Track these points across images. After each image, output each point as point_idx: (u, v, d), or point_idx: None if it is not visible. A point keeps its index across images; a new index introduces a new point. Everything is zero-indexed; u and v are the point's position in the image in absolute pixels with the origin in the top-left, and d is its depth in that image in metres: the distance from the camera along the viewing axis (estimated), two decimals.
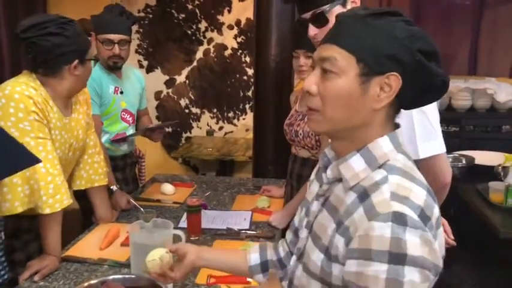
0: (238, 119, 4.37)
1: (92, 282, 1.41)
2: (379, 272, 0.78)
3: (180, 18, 4.25)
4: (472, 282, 2.87)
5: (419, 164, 1.28)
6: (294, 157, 2.25)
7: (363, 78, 0.87)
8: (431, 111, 1.39)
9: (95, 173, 2.04)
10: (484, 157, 2.87)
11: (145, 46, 4.30)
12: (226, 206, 2.33)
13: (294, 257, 1.05)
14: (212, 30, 4.25)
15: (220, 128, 4.40)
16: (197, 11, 4.23)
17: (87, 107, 1.99)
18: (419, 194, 0.84)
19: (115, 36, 2.28)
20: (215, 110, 4.39)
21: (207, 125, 4.41)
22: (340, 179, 0.93)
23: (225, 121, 4.39)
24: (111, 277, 1.45)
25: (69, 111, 1.85)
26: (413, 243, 0.77)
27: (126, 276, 1.46)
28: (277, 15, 2.69)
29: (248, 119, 4.33)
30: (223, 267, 1.29)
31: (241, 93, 4.31)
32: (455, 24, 3.70)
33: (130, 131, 2.48)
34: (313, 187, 1.07)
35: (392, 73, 0.86)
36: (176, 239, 1.55)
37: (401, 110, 0.96)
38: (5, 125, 1.61)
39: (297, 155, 2.22)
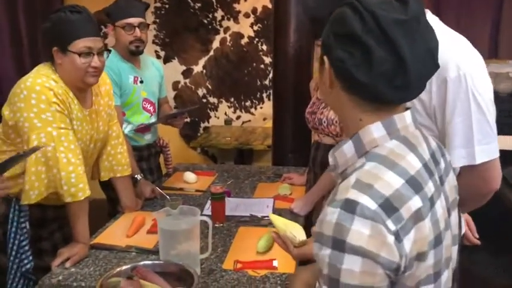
0: (255, 108, 4.38)
1: (123, 268, 1.45)
2: (324, 255, 0.80)
3: (196, 7, 4.26)
4: (495, 269, 2.85)
5: (471, 168, 1.24)
6: (316, 144, 2.25)
7: (321, 61, 0.92)
8: (490, 109, 1.27)
9: (118, 163, 2.06)
10: (508, 142, 2.83)
11: (162, 36, 4.32)
12: (248, 194, 2.34)
13: None
14: (228, 19, 4.25)
15: (238, 117, 4.41)
16: None
17: (108, 98, 2.01)
18: (391, 183, 0.80)
19: (135, 20, 2.30)
20: (232, 99, 4.40)
21: (225, 114, 4.42)
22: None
23: (243, 110, 4.40)
24: (141, 263, 1.48)
25: (89, 103, 1.87)
26: (358, 232, 0.76)
27: (156, 262, 1.49)
28: (296, 2, 2.68)
29: (265, 107, 4.33)
30: None
31: (259, 82, 4.31)
32: (476, 7, 3.63)
33: (153, 120, 2.50)
34: None
35: (324, 56, 0.89)
36: (203, 225, 1.57)
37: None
38: (28, 116, 1.65)
39: (320, 142, 2.22)
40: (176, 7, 4.26)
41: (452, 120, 1.24)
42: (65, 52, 1.71)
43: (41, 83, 1.68)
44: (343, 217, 0.78)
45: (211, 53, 4.33)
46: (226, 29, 4.27)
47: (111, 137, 2.04)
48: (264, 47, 4.24)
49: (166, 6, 4.27)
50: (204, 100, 4.42)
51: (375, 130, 0.87)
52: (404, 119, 0.88)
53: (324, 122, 2.12)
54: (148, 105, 2.47)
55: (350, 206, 0.78)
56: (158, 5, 4.25)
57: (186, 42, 4.33)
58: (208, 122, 4.46)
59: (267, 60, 4.26)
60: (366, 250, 0.76)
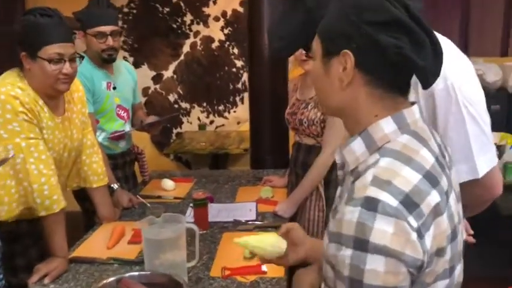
0: (229, 112, 4.34)
1: (108, 281, 1.38)
2: (345, 256, 0.77)
3: (165, 12, 4.19)
4: (473, 262, 2.89)
5: (474, 180, 1.20)
6: (297, 145, 2.23)
7: (325, 59, 0.89)
8: (483, 117, 1.24)
9: (94, 173, 1.99)
10: None
11: (130, 42, 4.23)
12: (229, 199, 2.30)
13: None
14: (198, 23, 4.20)
15: (211, 122, 4.36)
16: (182, 3, 4.18)
17: (81, 105, 1.93)
18: (409, 178, 0.78)
19: (107, 28, 2.23)
20: (205, 104, 4.34)
21: (198, 119, 4.36)
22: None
23: (216, 115, 4.35)
24: (127, 274, 1.42)
25: (61, 111, 1.80)
26: (381, 231, 0.74)
27: (142, 273, 1.43)
28: (270, 4, 2.66)
29: (239, 111, 4.30)
30: None
31: (231, 86, 4.28)
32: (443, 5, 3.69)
33: (127, 127, 2.43)
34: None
35: (344, 51, 0.84)
36: (187, 232, 1.52)
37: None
38: None
39: (301, 142, 2.20)
40: (144, 12, 4.18)
41: (446, 135, 1.19)
42: (34, 58, 1.64)
43: (6, 92, 1.60)
44: (365, 216, 0.75)
45: (182, 57, 4.27)
46: (196, 33, 4.22)
47: (86, 145, 1.96)
48: (236, 51, 4.21)
49: (134, 11, 4.19)
50: (176, 106, 4.35)
51: (386, 125, 0.85)
52: (413, 113, 0.87)
53: (305, 122, 2.11)
54: (122, 112, 2.40)
55: (371, 204, 0.75)
56: (126, 10, 4.17)
57: (156, 47, 4.25)
58: (180, 128, 4.38)
59: (239, 63, 4.23)
60: (390, 249, 0.74)
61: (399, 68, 0.83)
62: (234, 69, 4.25)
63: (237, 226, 1.96)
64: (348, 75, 0.85)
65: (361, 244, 0.75)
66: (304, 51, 2.01)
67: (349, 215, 0.77)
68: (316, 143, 2.13)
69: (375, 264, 0.74)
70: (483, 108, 1.24)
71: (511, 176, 2.54)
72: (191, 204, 2.19)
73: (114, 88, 2.35)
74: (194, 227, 1.55)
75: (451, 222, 0.83)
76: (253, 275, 1.56)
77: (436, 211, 0.79)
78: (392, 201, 0.75)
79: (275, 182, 2.41)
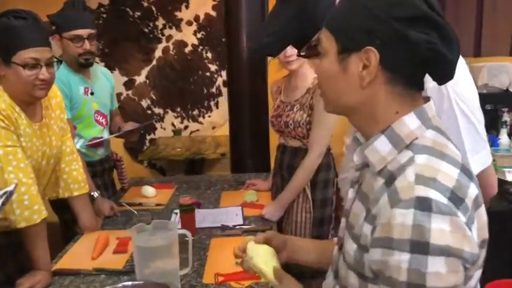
0: (203, 117, 4.29)
1: None
2: (400, 261, 0.73)
3: (136, 16, 4.11)
4: None
5: None
6: (283, 147, 2.22)
7: (341, 56, 0.85)
8: (477, 116, 1.24)
9: (74, 181, 1.91)
10: None
11: (100, 47, 4.11)
12: (213, 204, 2.26)
13: (336, 247, 1.02)
14: (170, 27, 4.14)
15: (186, 127, 4.30)
16: (153, 8, 4.11)
17: (60, 111, 1.86)
18: (450, 174, 0.77)
19: (84, 31, 2.15)
20: (179, 109, 4.28)
21: (172, 125, 4.29)
22: (368, 164, 0.89)
23: (190, 120, 4.29)
24: (120, 285, 1.36)
25: (38, 117, 1.72)
26: (439, 230, 0.72)
27: (136, 283, 1.37)
28: (247, 6, 2.64)
29: (214, 116, 4.26)
30: (313, 261, 1.20)
31: (205, 90, 4.23)
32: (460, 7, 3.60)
33: (105, 133, 2.35)
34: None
35: (367, 48, 0.81)
36: (182, 238, 1.48)
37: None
38: None
39: (286, 145, 2.19)
40: (115, 16, 4.09)
41: None
42: (9, 64, 1.56)
43: None
44: (420, 217, 0.72)
45: (154, 62, 4.19)
46: (169, 38, 4.16)
47: (65, 152, 1.88)
48: (209, 55, 4.17)
49: (104, 15, 4.09)
50: (149, 111, 4.26)
51: (410, 121, 0.83)
52: (431, 108, 0.87)
53: (291, 124, 2.10)
54: (101, 118, 2.32)
55: (424, 204, 0.73)
56: (96, 14, 4.06)
57: (127, 52, 4.16)
58: (154, 134, 4.30)
59: (213, 67, 4.19)
60: (452, 248, 0.72)
61: (429, 63, 0.82)
62: (208, 74, 4.21)
63: (225, 231, 1.92)
64: (371, 73, 0.83)
65: (421, 247, 0.72)
66: (294, 49, 2.00)
67: (401, 218, 0.74)
68: (302, 145, 2.13)
69: (436, 266, 0.72)
70: (476, 105, 1.25)
71: None
72: (175, 211, 2.14)
73: (92, 93, 2.27)
74: (187, 233, 1.50)
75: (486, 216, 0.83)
76: (247, 280, 1.52)
77: (477, 203, 0.79)
78: (442, 198, 0.74)
79: (259, 186, 2.39)
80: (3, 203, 1.19)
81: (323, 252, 1.17)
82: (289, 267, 1.65)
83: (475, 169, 1.22)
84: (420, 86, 0.87)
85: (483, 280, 1.94)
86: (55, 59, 1.67)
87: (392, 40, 0.80)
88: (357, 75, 0.84)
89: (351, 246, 0.88)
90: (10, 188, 1.27)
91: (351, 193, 0.97)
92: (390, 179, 0.81)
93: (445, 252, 0.72)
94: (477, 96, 1.27)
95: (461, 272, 0.74)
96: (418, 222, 0.72)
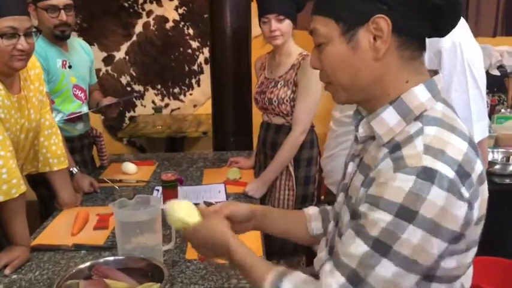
0: (184, 95, 4.22)
1: (79, 267, 1.30)
2: (380, 220, 0.75)
3: None
4: None
5: None
6: (266, 125, 2.20)
7: (347, 36, 0.83)
8: (483, 81, 1.23)
9: (54, 155, 1.86)
10: None
11: (79, 21, 3.99)
12: (195, 181, 2.24)
13: (332, 223, 1.01)
14: (151, 2, 4.03)
15: (167, 105, 4.23)
16: None
17: (39, 83, 1.79)
18: (459, 147, 0.77)
19: (60, 1, 2.06)
20: (159, 87, 4.20)
21: (152, 102, 4.22)
22: (373, 136, 0.88)
23: (171, 97, 4.22)
24: (101, 260, 1.34)
25: (16, 89, 1.66)
26: (432, 203, 0.72)
27: (117, 258, 1.35)
28: None
29: (195, 94, 4.21)
30: (278, 231, 1.19)
31: (187, 68, 4.16)
32: None
33: (84, 108, 2.29)
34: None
35: (375, 16, 0.80)
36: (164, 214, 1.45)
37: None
38: None
39: (270, 122, 2.17)
40: None
41: (448, 96, 1.18)
42: None
43: None
44: (420, 186, 0.73)
45: (134, 38, 4.09)
46: (149, 13, 4.06)
47: (44, 126, 1.83)
48: (191, 31, 4.09)
49: None
50: (129, 88, 4.18)
51: (420, 93, 0.83)
52: (440, 80, 0.86)
53: (275, 101, 2.08)
54: (79, 92, 2.25)
55: (429, 175, 0.73)
56: None
57: (106, 27, 4.05)
58: (134, 112, 4.22)
59: (194, 44, 4.12)
60: (433, 222, 0.73)
61: (440, 13, 0.81)
62: (189, 51, 4.13)
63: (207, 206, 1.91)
64: (386, 42, 0.81)
65: (408, 214, 0.73)
66: (279, 24, 1.97)
67: (400, 182, 0.74)
68: (286, 122, 2.11)
69: (412, 234, 0.73)
70: (482, 71, 1.26)
71: None
72: (157, 187, 2.12)
73: (70, 67, 2.20)
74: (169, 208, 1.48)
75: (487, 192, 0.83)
76: None
77: (481, 179, 0.79)
78: (449, 171, 0.74)
79: (242, 163, 2.37)
80: None
81: (291, 222, 1.18)
82: (269, 244, 1.66)
83: (477, 137, 1.22)
84: (424, 47, 0.86)
85: None
86: (34, 29, 1.60)
87: (398, 1, 0.79)
88: (369, 49, 0.82)
89: (347, 219, 0.89)
90: None
91: (350, 167, 0.95)
92: (395, 148, 0.80)
93: (427, 226, 0.73)
94: (482, 62, 1.27)
95: (431, 253, 0.75)
96: (416, 191, 0.73)
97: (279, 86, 2.08)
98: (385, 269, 0.75)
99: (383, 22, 0.80)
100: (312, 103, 2.04)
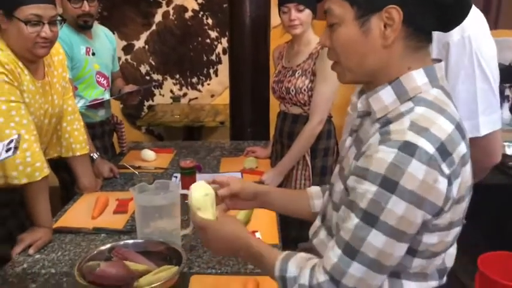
0: (202, 85, 4.25)
1: (100, 249, 1.34)
2: (367, 191, 0.80)
3: None
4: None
5: (474, 141, 1.18)
6: (283, 114, 2.21)
7: (361, 20, 0.86)
8: (495, 77, 1.23)
9: (76, 141, 1.90)
10: None
11: (99, 10, 4.02)
12: (213, 169, 2.27)
13: (327, 193, 1.07)
14: None
15: (185, 95, 4.26)
16: None
17: (62, 70, 1.83)
18: (444, 127, 0.81)
19: None
20: (178, 76, 4.23)
21: (171, 92, 4.25)
22: (370, 113, 0.92)
23: (189, 87, 4.25)
24: (121, 242, 1.37)
25: (40, 74, 1.70)
26: (412, 176, 0.76)
27: (137, 241, 1.39)
28: None
29: (213, 84, 4.22)
30: (281, 208, 1.25)
31: (205, 57, 4.18)
32: None
33: (106, 95, 2.33)
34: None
35: (389, 6, 0.83)
36: (183, 200, 1.48)
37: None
38: None
39: (287, 112, 2.18)
40: None
41: (455, 88, 1.19)
42: (11, 18, 1.52)
43: None
44: (401, 159, 0.77)
45: (154, 27, 4.12)
46: (169, 2, 4.07)
47: (67, 112, 1.87)
48: (210, 21, 4.10)
49: None
50: (148, 77, 4.21)
51: (418, 77, 0.87)
52: (441, 68, 0.90)
53: (292, 90, 2.08)
54: (102, 79, 2.29)
55: (409, 149, 0.77)
56: None
57: (126, 16, 4.08)
58: (152, 100, 4.27)
59: (213, 34, 4.13)
60: (416, 195, 0.77)
61: (448, 10, 0.84)
62: (208, 40, 4.15)
63: None
64: (395, 31, 0.85)
65: (389, 184, 0.78)
66: (298, 13, 1.97)
67: (383, 154, 0.79)
68: (303, 112, 2.12)
69: (395, 206, 0.78)
70: (495, 65, 1.25)
71: None
72: (175, 174, 2.15)
73: (93, 54, 2.24)
74: (188, 192, 1.50)
75: (471, 175, 0.87)
76: None
77: (463, 161, 0.83)
78: (429, 147, 0.78)
79: (258, 153, 2.39)
80: (16, 146, 1.18)
81: (293, 200, 1.22)
82: (285, 231, 1.68)
83: (484, 130, 1.22)
84: (430, 40, 0.90)
85: (478, 252, 1.95)
86: (59, 18, 1.63)
87: None
88: (379, 36, 0.86)
89: (339, 187, 0.94)
90: (14, 136, 1.25)
91: (348, 141, 1.00)
92: (385, 123, 0.85)
93: (407, 197, 0.77)
94: (496, 55, 1.26)
95: (415, 225, 0.80)
96: (396, 162, 0.77)
97: (296, 75, 2.08)
98: (376, 239, 0.80)
99: (395, 12, 0.83)
100: (330, 93, 2.04)
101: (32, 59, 1.62)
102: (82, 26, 2.17)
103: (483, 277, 1.82)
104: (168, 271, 1.23)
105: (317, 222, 1.08)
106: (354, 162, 0.87)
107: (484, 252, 2.04)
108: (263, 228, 1.60)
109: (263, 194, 1.21)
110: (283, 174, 2.10)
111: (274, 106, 2.43)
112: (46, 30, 1.56)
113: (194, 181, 1.89)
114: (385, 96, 0.88)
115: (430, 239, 0.84)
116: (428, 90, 0.86)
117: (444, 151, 0.79)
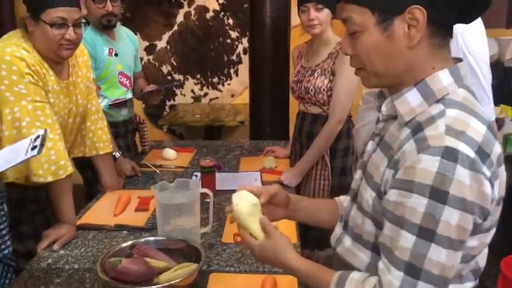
0: (223, 85, 4.28)
1: (122, 246, 1.37)
2: (417, 204, 0.77)
3: None
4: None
5: None
6: (302, 114, 2.21)
7: (383, 25, 0.85)
8: (483, 70, 1.25)
9: (99, 140, 1.95)
10: None
11: (122, 11, 4.08)
12: (233, 168, 2.29)
13: (348, 198, 1.05)
14: None
15: (205, 95, 4.30)
16: None
17: (86, 70, 1.88)
18: (479, 129, 0.80)
19: None
20: (199, 76, 4.28)
21: (192, 91, 4.30)
22: (395, 116, 0.91)
23: (210, 87, 4.29)
24: (142, 239, 1.40)
25: (65, 75, 1.74)
26: (460, 183, 0.75)
27: (158, 238, 1.42)
28: None
29: (233, 84, 4.26)
30: (310, 220, 1.21)
31: (226, 58, 4.21)
32: None
33: (129, 95, 2.38)
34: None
35: (411, 7, 0.82)
36: (202, 199, 1.51)
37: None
38: None
39: (306, 112, 2.19)
40: None
41: None
42: (37, 21, 1.57)
43: (11, 53, 1.53)
44: (446, 166, 0.75)
45: (175, 27, 4.17)
46: (191, 3, 4.12)
47: (91, 111, 1.91)
48: (231, 21, 4.14)
49: None
50: (169, 77, 4.27)
51: (444, 77, 0.85)
52: (464, 67, 0.88)
53: (311, 90, 2.09)
54: (125, 79, 2.34)
55: (451, 155, 0.76)
56: None
57: (148, 17, 4.15)
58: (174, 100, 4.32)
59: (234, 34, 4.16)
60: (467, 201, 0.76)
61: (471, 2, 0.84)
62: (228, 41, 4.18)
63: None
64: (420, 31, 0.84)
65: (440, 195, 0.76)
66: (317, 13, 1.98)
67: (426, 163, 0.77)
68: (322, 112, 2.12)
69: (450, 216, 0.76)
70: (485, 60, 1.25)
71: (511, 148, 2.57)
72: (195, 173, 2.18)
73: (116, 55, 2.29)
74: (209, 192, 1.53)
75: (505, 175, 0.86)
76: None
77: (499, 161, 0.82)
78: (469, 151, 0.77)
79: (278, 153, 2.40)
80: (42, 144, 1.22)
81: (322, 210, 1.20)
82: (304, 235, 1.68)
83: None
84: (451, 35, 0.89)
85: (501, 255, 1.91)
86: (83, 20, 1.67)
87: None
88: (403, 37, 0.85)
89: (369, 195, 0.91)
90: (40, 132, 1.29)
91: (370, 145, 0.98)
92: (417, 128, 0.83)
93: (461, 205, 0.75)
94: (487, 53, 1.27)
95: (469, 229, 0.78)
96: (442, 171, 0.75)
97: (315, 74, 2.09)
98: (437, 253, 0.77)
99: (419, 12, 0.82)
100: (350, 92, 2.04)
101: (57, 60, 1.66)
102: (106, 26, 2.22)
103: (506, 280, 1.80)
104: (188, 268, 1.26)
105: (338, 230, 1.06)
106: (388, 170, 0.85)
107: (508, 255, 2.01)
108: (282, 227, 1.58)
109: (294, 202, 1.18)
110: (303, 174, 2.11)
111: (294, 106, 2.44)
112: (70, 33, 1.60)
113: (214, 180, 1.92)
114: (412, 98, 0.86)
115: (471, 242, 0.82)
116: (454, 91, 0.85)
117: (483, 153, 0.78)
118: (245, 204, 1.04)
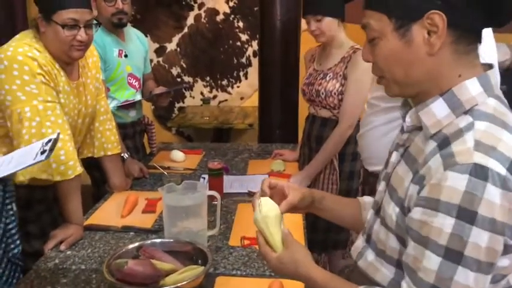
0: (232, 87, 4.28)
1: (128, 247, 1.36)
2: (444, 224, 0.73)
3: None
4: None
5: None
6: (312, 118, 2.20)
7: (401, 31, 0.82)
8: None
9: (108, 140, 1.95)
10: None
11: (132, 13, 4.10)
12: (240, 171, 2.28)
13: (371, 211, 1.01)
14: None
15: (215, 97, 4.31)
16: None
17: (96, 71, 1.88)
18: (510, 144, 0.75)
19: None
20: (208, 78, 4.28)
21: (201, 94, 4.31)
22: (420, 127, 0.87)
23: (219, 89, 4.29)
24: (148, 241, 1.40)
25: (75, 75, 1.75)
26: (489, 202, 0.71)
27: (164, 240, 1.41)
28: None
29: (243, 86, 4.26)
30: (332, 216, 1.16)
31: (235, 60, 4.21)
32: None
33: (138, 96, 2.38)
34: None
35: (430, 12, 0.79)
36: (210, 202, 1.50)
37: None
38: (10, 89, 1.52)
39: (316, 115, 2.17)
40: None
41: None
42: (49, 21, 1.58)
43: (23, 53, 1.54)
44: (475, 185, 0.71)
45: (186, 30, 4.18)
46: (201, 5, 4.13)
47: (99, 112, 1.92)
48: (241, 24, 4.14)
49: None
50: (179, 79, 4.28)
51: (472, 87, 0.81)
52: (495, 75, 0.84)
53: (322, 93, 2.07)
54: (134, 81, 2.34)
55: (481, 172, 0.72)
56: None
57: (159, 19, 4.16)
58: (183, 102, 4.33)
59: (244, 37, 4.16)
60: (497, 222, 0.72)
61: (498, 2, 0.79)
62: (238, 43, 4.18)
63: (252, 197, 1.94)
64: (440, 37, 0.80)
65: (467, 215, 0.72)
66: (317, 23, 1.98)
67: (453, 181, 0.73)
68: (332, 115, 2.11)
69: (479, 237, 0.72)
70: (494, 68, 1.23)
71: None
72: (203, 175, 2.17)
73: (126, 56, 2.29)
74: (216, 194, 1.52)
75: None
76: None
77: None
78: (500, 168, 0.72)
79: (286, 156, 2.38)
80: (51, 149, 1.22)
81: (345, 208, 1.16)
82: (311, 237, 1.66)
83: None
84: (480, 39, 0.84)
85: None
86: (94, 22, 1.68)
87: None
88: (423, 44, 0.82)
89: (393, 210, 0.87)
90: (53, 136, 1.29)
91: (394, 156, 0.94)
92: (444, 142, 0.79)
93: (490, 226, 0.71)
94: (495, 56, 1.25)
95: (499, 251, 0.74)
96: (471, 190, 0.71)
97: (327, 78, 2.08)
98: (464, 276, 0.73)
99: (438, 18, 0.79)
100: (361, 97, 2.02)
101: (68, 61, 1.67)
102: (117, 25, 2.22)
103: None
104: (194, 271, 1.25)
105: (360, 242, 1.02)
106: (413, 186, 0.81)
107: None
108: (289, 228, 1.59)
109: (318, 201, 1.14)
110: (311, 177, 2.09)
111: (303, 109, 2.43)
112: (82, 34, 1.60)
113: (221, 183, 1.91)
114: (438, 109, 0.82)
115: (502, 262, 0.78)
116: (485, 101, 0.81)
117: None
118: (270, 213, 1.00)
